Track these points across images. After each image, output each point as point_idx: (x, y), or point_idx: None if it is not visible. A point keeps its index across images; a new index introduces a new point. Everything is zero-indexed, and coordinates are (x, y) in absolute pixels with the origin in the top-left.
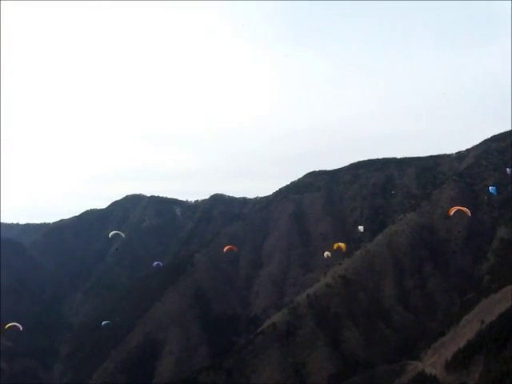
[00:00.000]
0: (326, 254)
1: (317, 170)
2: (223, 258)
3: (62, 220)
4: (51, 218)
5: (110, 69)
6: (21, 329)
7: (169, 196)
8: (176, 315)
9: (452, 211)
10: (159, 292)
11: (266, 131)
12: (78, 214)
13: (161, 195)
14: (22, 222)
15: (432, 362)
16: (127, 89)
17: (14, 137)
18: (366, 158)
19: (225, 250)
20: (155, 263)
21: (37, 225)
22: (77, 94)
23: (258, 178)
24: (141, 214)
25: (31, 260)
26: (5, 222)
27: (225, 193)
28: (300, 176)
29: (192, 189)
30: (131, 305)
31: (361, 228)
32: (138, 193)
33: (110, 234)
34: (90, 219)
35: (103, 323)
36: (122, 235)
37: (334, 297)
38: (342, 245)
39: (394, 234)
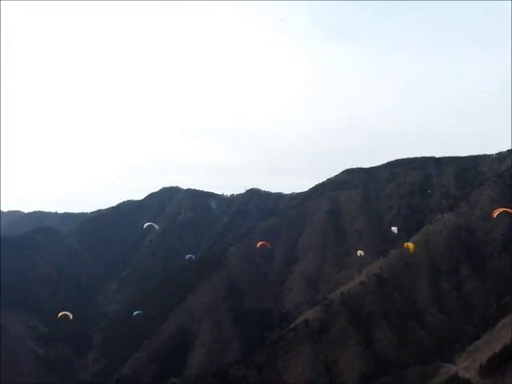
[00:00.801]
0: (359, 252)
1: (354, 167)
2: (257, 252)
3: (99, 210)
4: (89, 208)
5: (151, 61)
6: (71, 318)
7: (205, 189)
8: (209, 308)
9: (496, 213)
10: (193, 284)
11: (304, 126)
12: (115, 205)
13: (197, 188)
14: (61, 210)
15: (466, 366)
16: (168, 82)
17: (55, 130)
18: (403, 157)
19: (258, 245)
20: (188, 256)
21: (75, 214)
22: (118, 85)
23: (294, 174)
24: (177, 206)
25: (68, 248)
26: (44, 210)
27: (261, 187)
28: (337, 173)
29: (228, 183)
30: (165, 296)
31: (394, 229)
32: (174, 185)
33: (145, 225)
34: (127, 210)
35: (135, 313)
36: (156, 227)
37: (368, 295)
38: (411, 245)
39: (431, 234)
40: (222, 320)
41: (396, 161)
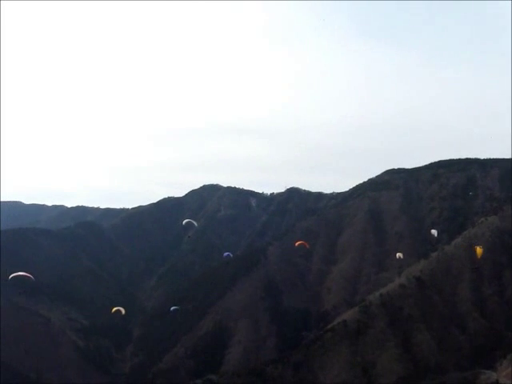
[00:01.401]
0: (398, 255)
1: (395, 167)
2: (296, 251)
3: (140, 206)
4: (130, 204)
5: (193, 55)
6: (123, 313)
7: (245, 187)
8: (246, 306)
9: None
10: (231, 282)
11: (346, 126)
12: (155, 201)
13: (237, 186)
14: (103, 206)
15: (507, 373)
16: (211, 78)
17: (95, 127)
18: (447, 158)
19: (296, 244)
20: (225, 254)
21: (116, 210)
22: (158, 83)
23: (334, 174)
24: (217, 203)
25: (110, 243)
26: (87, 205)
27: (300, 186)
28: (378, 173)
29: (269, 181)
30: (203, 293)
31: (434, 232)
32: (215, 183)
33: (184, 222)
34: (168, 206)
35: (172, 309)
36: (195, 224)
37: (408, 298)
38: (479, 250)
39: (474, 237)
40: (259, 318)
41: (439, 162)
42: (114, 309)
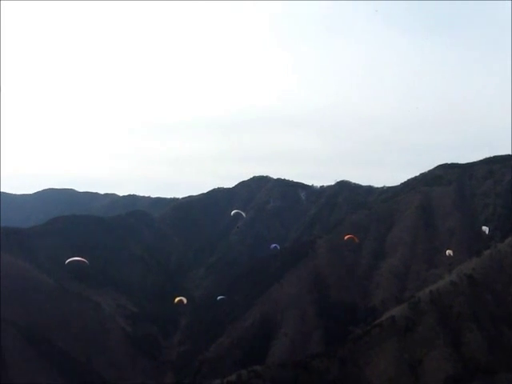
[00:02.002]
0: (448, 252)
1: (448, 162)
2: (345, 245)
3: (190, 196)
4: (180, 194)
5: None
6: (185, 302)
7: (295, 180)
8: (294, 298)
9: None
10: (279, 274)
11: (398, 119)
12: (205, 192)
13: (287, 178)
14: (154, 195)
15: None
16: (253, 71)
17: (150, 116)
18: (502, 153)
19: (345, 238)
20: (273, 246)
21: (166, 199)
22: (210, 74)
23: (385, 167)
24: (266, 195)
25: (159, 232)
26: (138, 194)
27: (351, 180)
28: (430, 168)
29: (319, 174)
30: (250, 284)
31: (485, 229)
32: (264, 174)
33: (232, 213)
34: (217, 197)
35: (219, 298)
36: (243, 214)
37: (459, 296)
38: None
39: None
40: (306, 311)
41: (494, 157)
42: (177, 299)
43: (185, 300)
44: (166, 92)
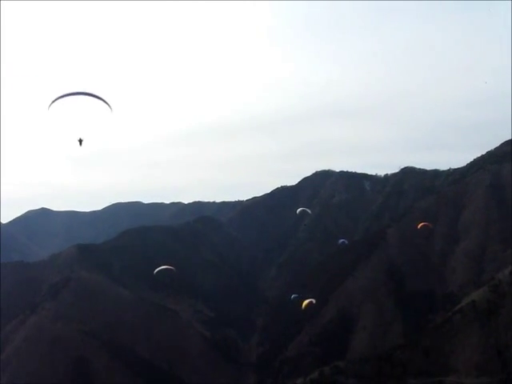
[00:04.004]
0: None
1: None
2: (416, 232)
3: (254, 197)
4: (244, 196)
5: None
6: (314, 302)
7: (358, 171)
8: (369, 291)
9: None
10: (352, 267)
11: (456, 97)
12: (269, 192)
13: (349, 170)
14: (218, 200)
15: None
16: (306, 64)
17: (204, 123)
18: None
19: (419, 226)
20: (341, 241)
21: (231, 202)
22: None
23: (449, 149)
24: (330, 189)
25: (228, 236)
26: (203, 200)
27: (415, 165)
28: (496, 145)
29: (381, 162)
30: (324, 280)
31: None
32: (326, 168)
33: (298, 211)
34: (281, 196)
35: (292, 297)
36: (309, 212)
37: None
38: None
39: None
40: (383, 303)
41: None
42: (305, 302)
43: (313, 300)
44: (218, 95)
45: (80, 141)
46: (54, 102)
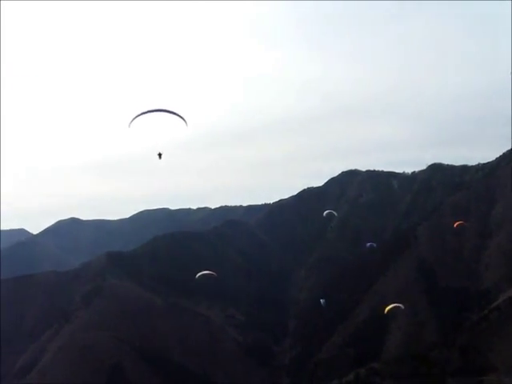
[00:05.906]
0: None
1: None
2: (448, 229)
3: (281, 200)
4: (271, 199)
5: None
6: (402, 307)
7: (384, 169)
8: (402, 290)
9: None
10: (383, 266)
11: (480, 90)
12: (295, 193)
13: (376, 169)
14: (245, 203)
15: None
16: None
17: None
18: None
19: (455, 225)
20: (368, 244)
21: (258, 206)
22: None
23: (476, 144)
24: (357, 189)
25: (256, 239)
26: (229, 204)
27: (443, 161)
28: None
29: (408, 160)
30: (355, 280)
31: None
32: (353, 168)
33: (325, 213)
34: (308, 197)
35: (321, 301)
36: (335, 214)
37: None
38: None
39: None
40: (416, 301)
41: None
42: (388, 307)
43: (402, 306)
44: (242, 99)
45: (159, 154)
46: (134, 119)
